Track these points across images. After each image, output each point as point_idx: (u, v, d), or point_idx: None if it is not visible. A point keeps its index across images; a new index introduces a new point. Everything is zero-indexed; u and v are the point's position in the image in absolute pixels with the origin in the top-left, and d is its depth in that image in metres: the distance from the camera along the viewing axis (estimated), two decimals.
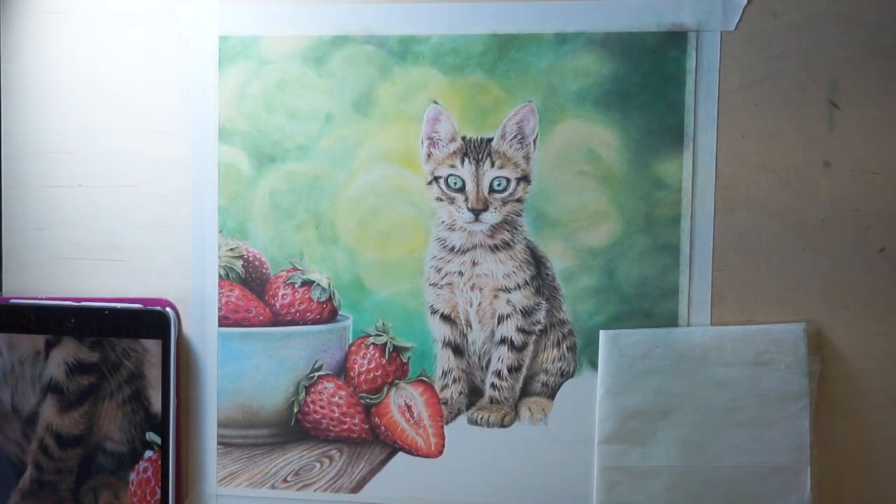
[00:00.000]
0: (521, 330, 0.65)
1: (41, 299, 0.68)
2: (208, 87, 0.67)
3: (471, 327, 0.66)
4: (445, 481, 0.66)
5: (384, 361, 0.67)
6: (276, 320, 0.67)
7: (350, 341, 0.67)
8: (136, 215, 0.69)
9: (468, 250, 0.66)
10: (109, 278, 0.69)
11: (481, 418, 0.66)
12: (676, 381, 0.62)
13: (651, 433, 0.62)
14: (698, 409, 0.62)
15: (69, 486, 0.68)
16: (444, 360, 0.66)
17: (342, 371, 0.67)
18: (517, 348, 0.66)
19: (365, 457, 0.67)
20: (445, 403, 0.66)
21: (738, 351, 0.62)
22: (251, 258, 0.68)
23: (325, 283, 0.67)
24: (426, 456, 0.66)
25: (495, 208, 0.65)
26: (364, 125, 0.66)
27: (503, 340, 0.66)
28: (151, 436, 0.67)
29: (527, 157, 0.64)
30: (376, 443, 0.67)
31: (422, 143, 0.65)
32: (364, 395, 0.67)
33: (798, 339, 0.61)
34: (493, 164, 0.65)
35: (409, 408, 0.67)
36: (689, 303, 0.63)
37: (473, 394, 0.66)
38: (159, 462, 0.67)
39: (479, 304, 0.66)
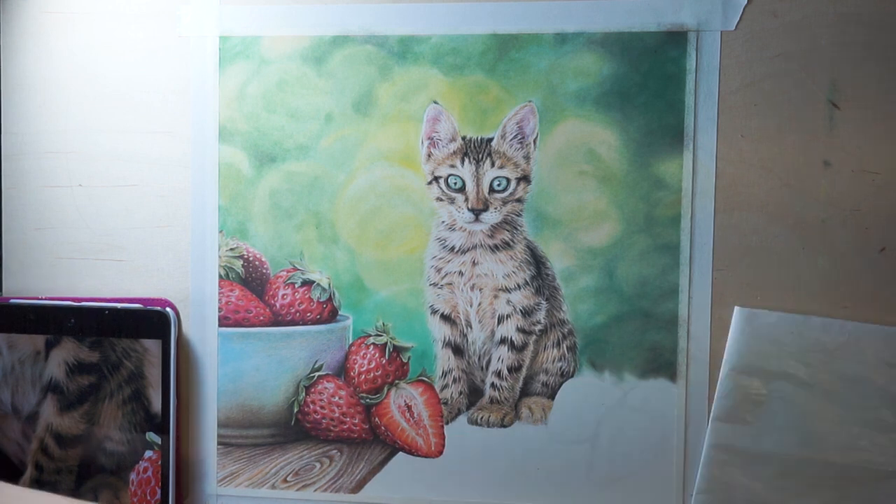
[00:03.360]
0: (521, 330, 0.65)
1: (41, 299, 0.68)
2: (208, 87, 0.67)
3: (471, 327, 0.66)
4: (445, 481, 0.66)
5: (384, 361, 0.67)
6: (276, 320, 0.67)
7: (350, 341, 0.67)
8: (136, 215, 0.69)
9: (468, 250, 0.66)
10: (109, 278, 0.69)
11: (481, 418, 0.66)
12: (805, 369, 0.61)
13: (769, 418, 0.61)
14: (822, 401, 0.61)
15: (69, 486, 0.68)
16: (444, 360, 0.66)
17: (342, 371, 0.67)
18: (517, 348, 0.66)
19: (365, 457, 0.67)
20: (445, 403, 0.66)
21: (873, 350, 0.61)
22: (251, 258, 0.68)
23: (325, 283, 0.67)
24: (426, 456, 0.66)
25: (495, 208, 0.65)
26: (364, 125, 0.66)
27: (503, 340, 0.66)
28: (151, 436, 0.67)
29: (527, 157, 0.64)
30: (376, 443, 0.67)
31: (422, 143, 0.65)
32: (364, 395, 0.67)
33: None
34: (493, 164, 0.65)
35: (409, 408, 0.67)
36: (689, 303, 0.63)
37: (473, 394, 0.66)
38: (159, 462, 0.67)
39: (479, 304, 0.66)
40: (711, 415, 0.62)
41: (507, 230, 0.65)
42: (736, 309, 0.63)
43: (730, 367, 0.62)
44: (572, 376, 0.65)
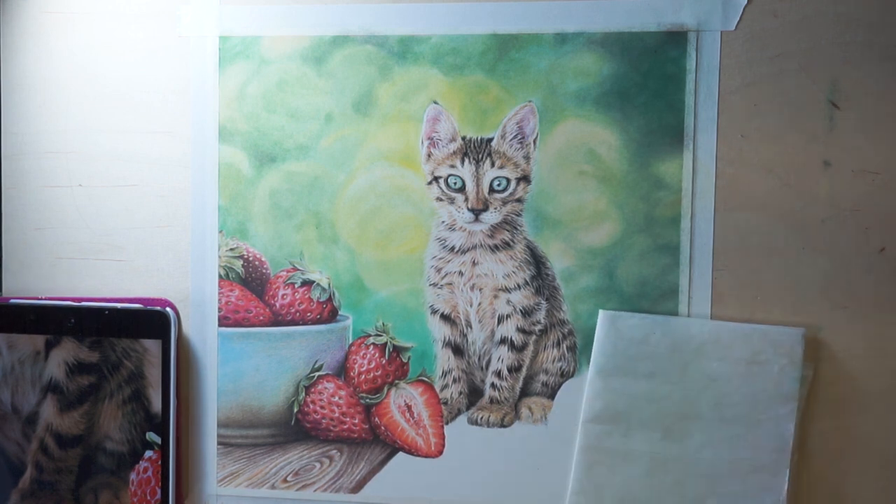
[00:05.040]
0: (521, 330, 0.65)
1: (41, 299, 0.68)
2: (208, 87, 0.67)
3: (471, 327, 0.66)
4: (445, 481, 0.66)
5: (384, 361, 0.67)
6: (276, 320, 0.67)
7: (350, 341, 0.67)
8: (136, 215, 0.69)
9: (468, 250, 0.66)
10: (109, 278, 0.69)
11: (481, 418, 0.66)
12: (669, 368, 0.62)
13: (636, 417, 0.62)
14: (686, 400, 0.62)
15: (69, 486, 0.68)
16: (444, 360, 0.66)
17: (342, 371, 0.67)
18: (517, 348, 0.66)
19: (365, 457, 0.67)
20: (445, 403, 0.66)
21: (734, 347, 0.62)
22: (251, 258, 0.68)
23: (325, 283, 0.67)
24: (426, 456, 0.66)
25: (495, 208, 0.65)
26: (364, 125, 0.66)
27: (503, 340, 0.66)
28: (151, 436, 0.67)
29: (527, 157, 0.64)
30: (376, 443, 0.67)
31: (422, 143, 0.65)
32: (364, 395, 0.67)
33: (796, 343, 0.61)
34: (493, 164, 0.65)
35: (409, 408, 0.67)
36: (689, 303, 0.63)
37: (473, 394, 0.66)
38: (159, 462, 0.67)
39: (479, 304, 0.66)
40: (581, 417, 0.63)
41: (507, 230, 0.65)
42: (600, 312, 0.63)
43: (597, 370, 0.63)
44: (572, 376, 0.65)
